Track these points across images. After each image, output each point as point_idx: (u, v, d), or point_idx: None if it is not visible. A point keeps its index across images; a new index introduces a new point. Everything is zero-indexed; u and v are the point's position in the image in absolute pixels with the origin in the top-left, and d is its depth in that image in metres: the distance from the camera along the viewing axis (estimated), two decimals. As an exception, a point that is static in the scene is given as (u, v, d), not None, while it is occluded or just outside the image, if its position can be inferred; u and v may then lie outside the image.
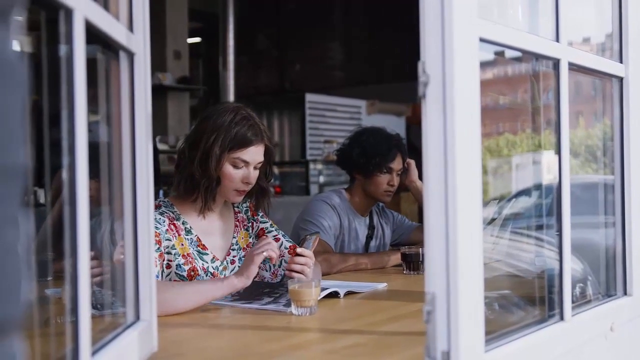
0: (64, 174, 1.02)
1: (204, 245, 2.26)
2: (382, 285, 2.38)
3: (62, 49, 1.03)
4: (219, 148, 2.18)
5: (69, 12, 1.00)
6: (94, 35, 1.12)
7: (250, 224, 2.43)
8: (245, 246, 2.38)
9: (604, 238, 1.99)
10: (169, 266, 2.14)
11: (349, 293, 2.21)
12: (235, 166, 2.21)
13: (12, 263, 0.55)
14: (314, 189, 7.56)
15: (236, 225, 2.39)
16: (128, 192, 1.38)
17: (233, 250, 2.35)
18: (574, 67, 1.60)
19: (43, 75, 1.06)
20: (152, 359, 1.44)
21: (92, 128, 1.11)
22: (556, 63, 1.54)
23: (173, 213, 2.23)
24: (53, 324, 1.40)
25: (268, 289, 2.14)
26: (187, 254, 2.20)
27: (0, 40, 0.55)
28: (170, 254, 2.15)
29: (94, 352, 1.11)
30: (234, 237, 2.37)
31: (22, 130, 0.57)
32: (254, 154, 2.23)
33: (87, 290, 1.03)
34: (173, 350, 1.54)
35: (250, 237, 2.41)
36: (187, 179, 2.22)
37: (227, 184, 2.23)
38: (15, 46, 0.58)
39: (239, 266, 2.31)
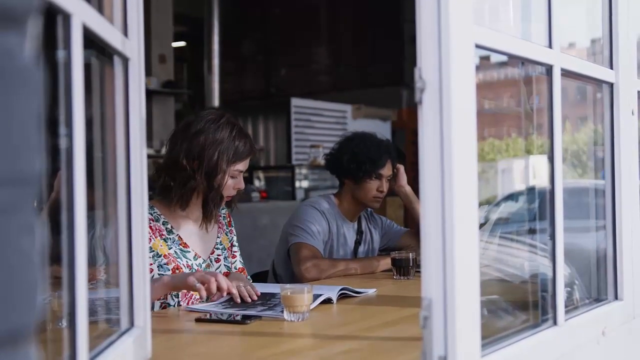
0: (62, 180, 1.01)
1: (185, 243, 2.32)
2: (372, 291, 2.38)
3: (59, 54, 1.02)
4: (225, 163, 2.27)
5: (67, 17, 0.99)
6: (89, 40, 1.12)
7: (229, 229, 2.53)
8: (227, 247, 2.48)
9: (593, 243, 2.01)
10: (150, 270, 2.16)
11: (342, 295, 2.21)
12: (233, 177, 2.33)
13: (29, 271, 0.55)
14: (300, 193, 7.55)
15: (219, 227, 2.47)
16: (122, 198, 1.38)
17: (217, 249, 2.43)
18: (565, 73, 1.61)
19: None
20: (146, 366, 1.43)
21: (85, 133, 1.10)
22: (549, 69, 1.54)
23: (152, 214, 2.25)
24: (45, 331, 1.39)
25: (260, 300, 2.13)
26: (168, 254, 2.26)
27: (16, 47, 0.54)
28: (149, 257, 2.17)
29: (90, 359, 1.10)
30: (218, 237, 2.45)
31: (37, 137, 0.57)
32: (247, 163, 2.37)
33: (84, 297, 1.03)
34: (167, 357, 1.54)
35: (229, 242, 2.51)
36: (189, 192, 2.28)
37: (222, 193, 2.32)
38: (31, 52, 0.57)
39: (224, 264, 2.43)
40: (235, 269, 2.43)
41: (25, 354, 0.55)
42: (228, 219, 2.55)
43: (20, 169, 0.54)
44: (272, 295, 2.20)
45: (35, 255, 0.57)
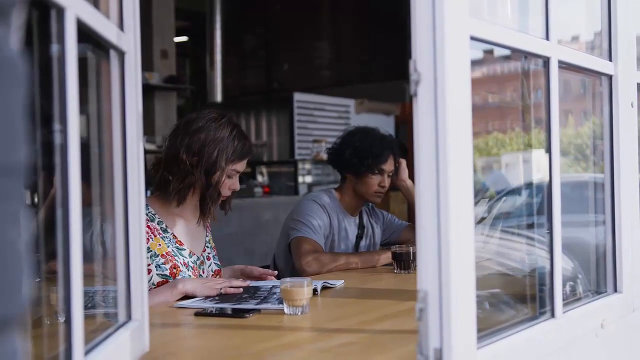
0: (57, 175, 1.01)
1: (180, 241, 2.35)
2: (339, 283, 2.40)
3: (54, 48, 1.02)
4: (224, 161, 2.30)
5: (60, 11, 1.00)
6: (84, 34, 1.12)
7: (209, 231, 2.56)
8: (213, 247, 2.52)
9: (594, 236, 2.00)
10: (148, 271, 2.19)
11: (324, 288, 2.26)
12: (229, 176, 2.35)
13: (14, 260, 0.56)
14: (302, 188, 7.55)
15: (207, 227, 2.51)
16: (119, 193, 1.38)
17: (207, 247, 2.48)
18: (563, 65, 1.60)
19: (33, 74, 1.05)
20: (144, 359, 1.43)
21: (81, 128, 1.10)
22: (546, 61, 1.54)
23: (147, 214, 2.27)
24: (43, 325, 1.40)
25: (246, 295, 2.13)
26: (166, 253, 2.29)
27: (0, 38, 0.54)
28: (147, 257, 2.20)
29: (86, 352, 1.10)
30: (207, 236, 2.50)
31: (22, 128, 0.57)
32: (245, 164, 2.40)
33: (79, 291, 1.03)
34: (164, 350, 1.54)
35: (213, 241, 2.56)
36: (187, 187, 2.31)
37: (219, 190, 2.34)
38: (16, 44, 0.58)
39: (214, 262, 2.47)
40: (212, 271, 2.45)
41: (11, 342, 0.55)
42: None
43: (5, 160, 0.55)
44: (257, 288, 2.21)
45: (22, 245, 0.57)
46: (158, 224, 2.31)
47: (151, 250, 2.24)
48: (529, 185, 2.16)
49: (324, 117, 8.43)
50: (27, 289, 0.57)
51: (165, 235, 2.31)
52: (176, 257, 2.29)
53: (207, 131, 2.29)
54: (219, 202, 2.38)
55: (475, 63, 1.38)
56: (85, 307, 1.14)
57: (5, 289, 0.54)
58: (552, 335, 1.52)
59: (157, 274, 2.24)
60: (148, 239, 2.23)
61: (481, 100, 1.72)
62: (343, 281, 2.44)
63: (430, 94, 1.18)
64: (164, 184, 2.31)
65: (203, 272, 2.39)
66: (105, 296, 1.49)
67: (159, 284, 2.22)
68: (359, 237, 3.17)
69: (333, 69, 10.16)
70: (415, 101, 1.20)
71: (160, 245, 2.27)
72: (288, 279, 1.97)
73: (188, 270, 2.30)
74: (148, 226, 2.26)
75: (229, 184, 2.35)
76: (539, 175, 1.95)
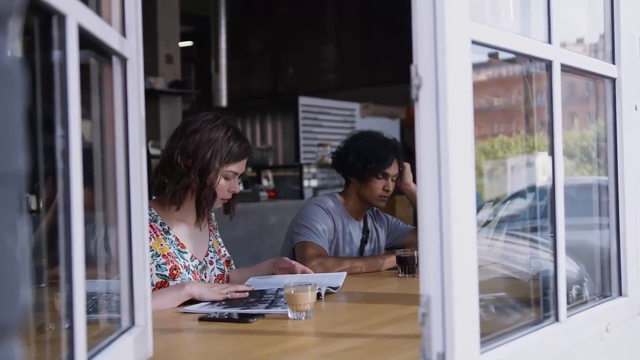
0: (59, 181, 1.02)
1: (182, 244, 2.35)
2: (342, 275, 2.44)
3: (55, 54, 1.03)
4: (218, 162, 2.29)
5: (62, 18, 1.00)
6: (86, 40, 1.12)
7: (217, 233, 2.57)
8: (217, 250, 2.51)
9: (599, 239, 2.00)
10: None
11: (328, 293, 2.26)
12: (226, 178, 2.34)
13: (12, 268, 0.56)
14: (308, 192, 7.55)
15: (211, 230, 2.51)
16: (122, 198, 1.38)
17: (210, 251, 2.47)
18: (566, 69, 1.60)
19: (36, 80, 1.06)
20: (148, 365, 1.43)
21: (84, 134, 1.11)
22: (549, 64, 1.54)
23: (150, 215, 2.27)
24: (47, 331, 1.40)
25: (253, 299, 2.13)
26: (168, 254, 2.29)
27: (-1, 46, 0.55)
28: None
29: (89, 358, 1.10)
30: (210, 240, 2.49)
31: (20, 135, 0.57)
32: (243, 166, 2.38)
33: (82, 296, 1.03)
34: (168, 355, 1.54)
35: (218, 245, 2.54)
36: (183, 189, 2.30)
37: (214, 191, 2.34)
38: (13, 52, 0.58)
39: (217, 267, 2.46)
40: (215, 276, 2.45)
41: (9, 350, 0.56)
42: (215, 223, 2.59)
43: (4, 168, 0.55)
44: (263, 292, 2.21)
45: (19, 253, 0.57)
46: (160, 225, 2.32)
47: (152, 250, 2.24)
48: (534, 188, 2.16)
49: (329, 121, 8.43)
50: (25, 297, 0.58)
51: (167, 236, 2.31)
52: (177, 259, 2.29)
53: (201, 133, 2.29)
54: (215, 203, 2.37)
55: (480, 66, 1.38)
56: (88, 312, 1.14)
57: (3, 296, 0.55)
58: (556, 340, 1.52)
59: (156, 274, 2.24)
60: (150, 238, 2.23)
61: (487, 103, 1.71)
62: (345, 273, 2.46)
63: (432, 98, 1.18)
64: (161, 188, 2.31)
65: (205, 277, 2.38)
66: (109, 299, 1.49)
67: (158, 285, 2.22)
68: (364, 241, 3.17)
69: (338, 72, 10.16)
70: (417, 105, 1.20)
71: (162, 245, 2.28)
72: (292, 283, 1.97)
73: (188, 273, 2.30)
74: (151, 226, 2.26)
75: (228, 186, 2.34)
76: (544, 178, 1.95)
